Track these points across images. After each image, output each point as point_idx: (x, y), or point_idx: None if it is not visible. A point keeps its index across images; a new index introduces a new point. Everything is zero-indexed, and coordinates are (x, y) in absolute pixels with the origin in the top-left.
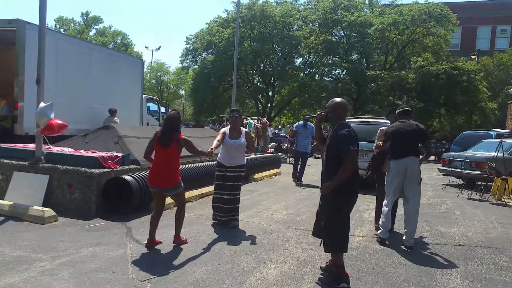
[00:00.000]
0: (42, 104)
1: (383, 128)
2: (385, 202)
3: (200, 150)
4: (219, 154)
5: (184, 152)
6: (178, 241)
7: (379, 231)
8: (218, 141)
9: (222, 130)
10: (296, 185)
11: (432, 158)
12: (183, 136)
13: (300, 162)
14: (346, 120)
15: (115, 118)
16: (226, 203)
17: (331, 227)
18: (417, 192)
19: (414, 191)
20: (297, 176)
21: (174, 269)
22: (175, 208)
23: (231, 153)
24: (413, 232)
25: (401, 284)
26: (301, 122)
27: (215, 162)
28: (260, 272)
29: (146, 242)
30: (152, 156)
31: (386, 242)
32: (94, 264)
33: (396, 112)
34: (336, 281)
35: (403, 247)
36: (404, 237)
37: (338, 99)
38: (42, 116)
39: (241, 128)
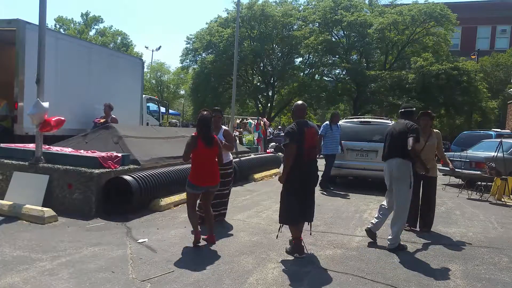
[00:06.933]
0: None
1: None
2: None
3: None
4: None
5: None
6: (213, 240)
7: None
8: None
9: None
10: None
11: None
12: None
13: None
14: (344, 120)
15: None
16: (214, 199)
17: (280, 204)
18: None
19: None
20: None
21: (174, 269)
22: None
23: None
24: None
25: (401, 284)
26: (327, 122)
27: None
28: (260, 272)
29: (194, 239)
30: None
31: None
32: (94, 264)
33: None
34: (292, 251)
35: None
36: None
37: (298, 102)
38: (32, 114)
39: (222, 126)
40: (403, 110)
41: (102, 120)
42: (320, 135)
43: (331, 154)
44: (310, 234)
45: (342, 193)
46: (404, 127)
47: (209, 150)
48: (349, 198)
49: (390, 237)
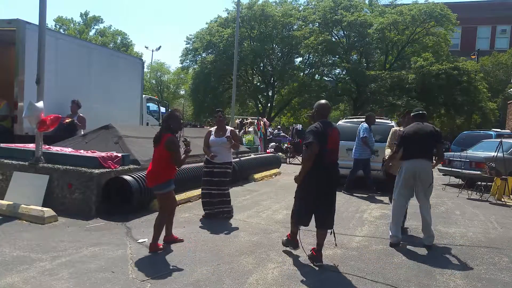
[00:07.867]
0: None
1: (396, 128)
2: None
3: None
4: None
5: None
6: (153, 249)
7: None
8: (206, 146)
9: (209, 130)
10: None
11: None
12: (170, 138)
13: (366, 170)
14: (344, 120)
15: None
16: (215, 197)
17: (294, 203)
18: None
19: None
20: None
21: (174, 269)
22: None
23: (216, 150)
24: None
25: (401, 284)
26: (365, 125)
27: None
28: (260, 272)
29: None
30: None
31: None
32: (94, 264)
33: (411, 115)
34: (287, 244)
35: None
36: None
37: (322, 101)
38: (27, 116)
39: (226, 126)
40: (420, 112)
41: (67, 120)
42: (364, 137)
43: (368, 158)
44: (335, 245)
45: (342, 193)
46: (432, 131)
47: (155, 149)
48: (349, 198)
49: (428, 236)
